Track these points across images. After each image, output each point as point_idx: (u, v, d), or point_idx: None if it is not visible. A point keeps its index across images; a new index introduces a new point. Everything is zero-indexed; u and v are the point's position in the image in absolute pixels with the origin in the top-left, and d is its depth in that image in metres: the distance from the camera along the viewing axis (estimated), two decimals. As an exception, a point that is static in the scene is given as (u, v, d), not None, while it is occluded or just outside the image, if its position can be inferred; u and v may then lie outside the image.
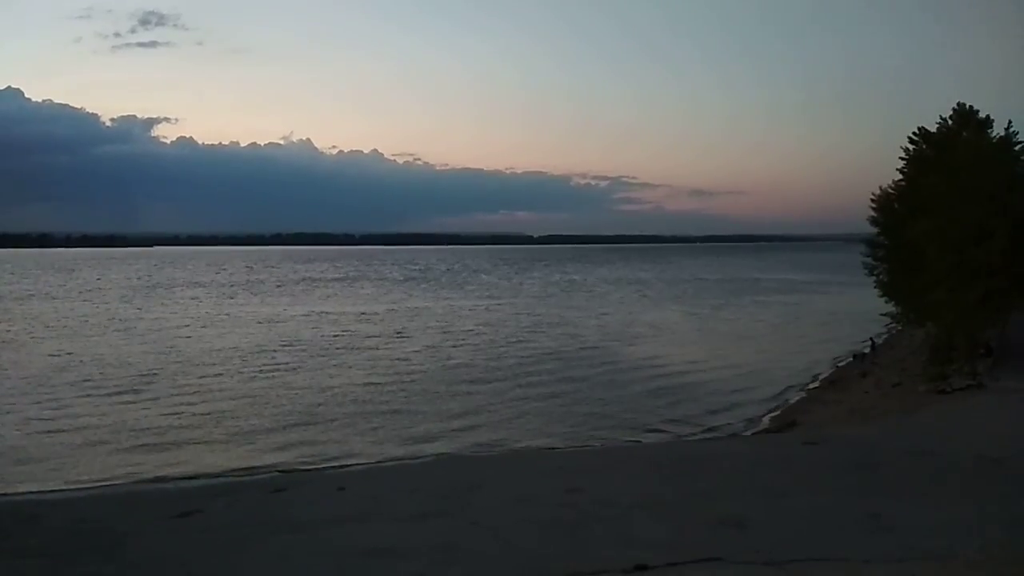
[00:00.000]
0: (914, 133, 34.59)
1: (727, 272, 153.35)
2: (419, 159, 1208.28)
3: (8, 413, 29.21)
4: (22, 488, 20.00)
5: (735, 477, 15.91)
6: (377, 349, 46.41)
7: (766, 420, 29.44)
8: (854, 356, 42.25)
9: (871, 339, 45.11)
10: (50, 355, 42.98)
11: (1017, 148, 32.66)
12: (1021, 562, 10.05)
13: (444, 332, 54.95)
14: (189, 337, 51.24)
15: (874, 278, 36.82)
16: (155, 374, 37.15)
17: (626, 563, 10.00)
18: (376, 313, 68.94)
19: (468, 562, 10.54)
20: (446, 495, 14.90)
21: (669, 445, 24.81)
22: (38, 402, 31.10)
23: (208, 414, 29.23)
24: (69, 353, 43.65)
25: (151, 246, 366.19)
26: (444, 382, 36.12)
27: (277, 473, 21.36)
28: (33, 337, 50.97)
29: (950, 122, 33.50)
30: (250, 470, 22.12)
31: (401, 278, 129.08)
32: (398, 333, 54.16)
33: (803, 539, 11.14)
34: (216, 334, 52.97)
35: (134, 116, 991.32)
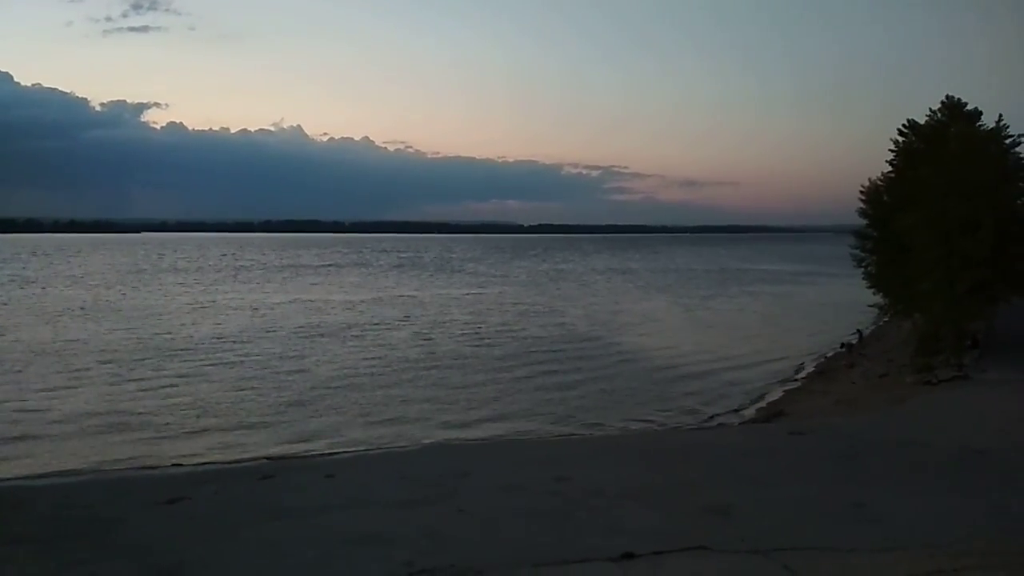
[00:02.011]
0: (903, 125, 34.74)
1: (716, 263, 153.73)
2: (410, 147, 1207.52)
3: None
4: (8, 474, 19.93)
5: (722, 466, 15.99)
6: (364, 337, 46.35)
7: (753, 410, 29.57)
8: (842, 346, 42.46)
9: (858, 330, 45.40)
10: (35, 341, 42.72)
11: (1008, 141, 32.80)
12: (1004, 552, 10.15)
13: (432, 320, 54.92)
14: (176, 324, 51.02)
15: (862, 269, 37.01)
16: (141, 361, 36.99)
17: (613, 551, 10.05)
18: (363, 301, 68.81)
19: (455, 550, 10.57)
20: (434, 483, 14.91)
21: (656, 434, 24.91)
22: (22, 388, 30.96)
23: (195, 401, 29.17)
24: (53, 339, 43.41)
25: (139, 232, 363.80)
26: (432, 370, 36.14)
27: (265, 460, 21.31)
28: (16, 323, 50.64)
29: (939, 114, 33.64)
30: (238, 457, 22.11)
31: (390, 266, 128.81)
32: (386, 321, 54.09)
33: (788, 528, 11.22)
34: (203, 321, 52.79)
35: (124, 101, 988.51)
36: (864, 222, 36.91)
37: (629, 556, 9.89)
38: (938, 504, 12.53)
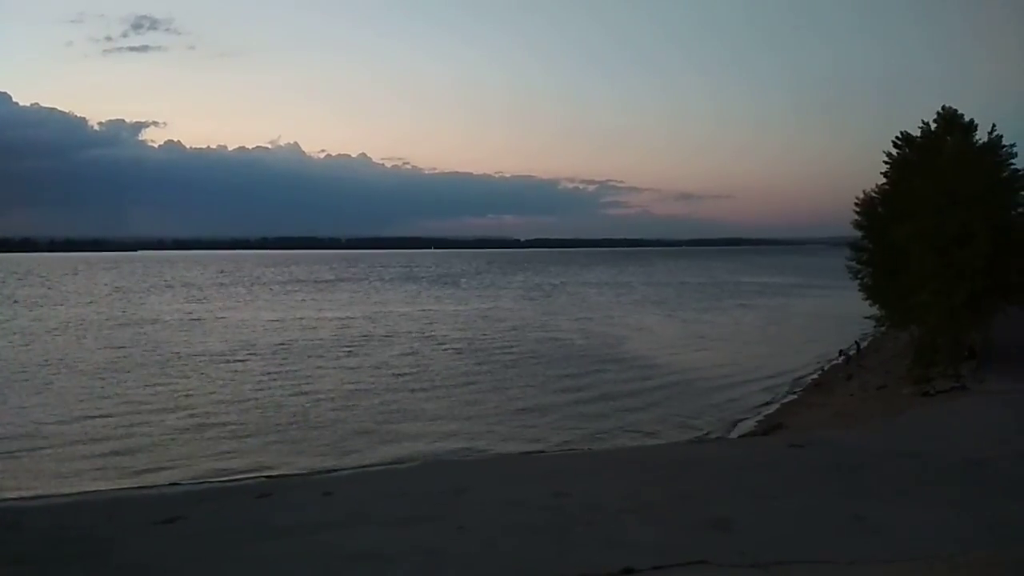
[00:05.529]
0: (897, 137, 34.81)
1: (712, 276, 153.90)
2: (407, 163, 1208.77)
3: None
4: (4, 495, 19.81)
5: (721, 480, 15.96)
6: (359, 354, 46.25)
7: (752, 423, 29.51)
8: (840, 357, 42.42)
9: (856, 342, 45.33)
10: (30, 361, 42.58)
11: (1002, 152, 32.82)
12: (1003, 563, 10.12)
13: (428, 336, 54.85)
14: (170, 342, 50.88)
15: (858, 281, 36.97)
16: (136, 380, 36.85)
17: (613, 566, 10.01)
18: (358, 318, 68.72)
19: (455, 566, 10.52)
20: (432, 500, 14.87)
21: (655, 448, 24.82)
22: (17, 408, 30.83)
23: (191, 420, 29.04)
24: (46, 359, 43.26)
25: (136, 250, 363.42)
26: (428, 387, 36.03)
27: (263, 478, 21.24)
28: (9, 343, 50.45)
29: (934, 126, 33.70)
30: (235, 476, 22.01)
31: (386, 281, 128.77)
32: (381, 337, 54.00)
33: (789, 541, 11.19)
34: (198, 339, 52.64)
35: (122, 120, 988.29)
36: (859, 234, 36.90)
37: (629, 571, 9.85)
38: (937, 515, 12.50)
